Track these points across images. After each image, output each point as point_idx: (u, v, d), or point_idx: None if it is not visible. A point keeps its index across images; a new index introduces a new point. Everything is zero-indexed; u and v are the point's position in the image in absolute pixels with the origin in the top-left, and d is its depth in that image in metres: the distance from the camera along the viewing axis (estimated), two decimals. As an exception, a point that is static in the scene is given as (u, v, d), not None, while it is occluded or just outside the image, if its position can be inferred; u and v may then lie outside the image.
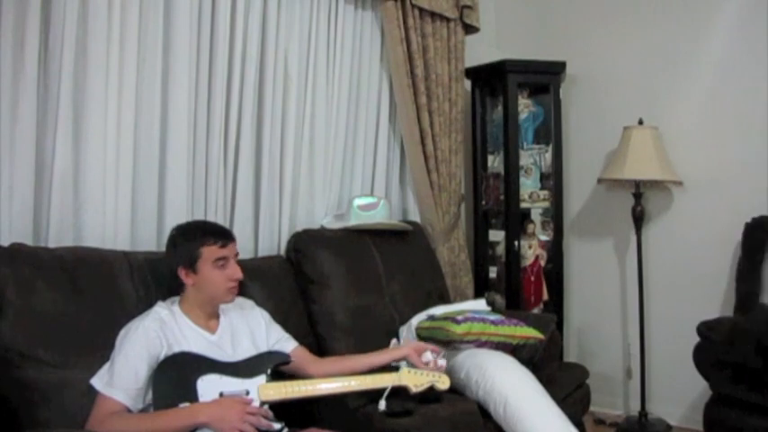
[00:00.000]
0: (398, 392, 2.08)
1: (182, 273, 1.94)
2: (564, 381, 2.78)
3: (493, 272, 3.81)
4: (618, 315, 3.75)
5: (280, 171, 2.88)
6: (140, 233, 2.39)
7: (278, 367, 2.00)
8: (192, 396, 1.80)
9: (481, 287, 3.71)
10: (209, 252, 1.93)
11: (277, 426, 1.85)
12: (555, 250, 3.71)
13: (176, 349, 1.86)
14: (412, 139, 3.25)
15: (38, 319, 1.85)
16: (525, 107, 3.73)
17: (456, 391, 2.33)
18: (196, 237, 1.95)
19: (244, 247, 2.69)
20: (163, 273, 2.07)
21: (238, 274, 1.97)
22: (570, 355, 3.76)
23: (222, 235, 1.97)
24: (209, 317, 1.99)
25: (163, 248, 2.05)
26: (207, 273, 1.93)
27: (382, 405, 2.03)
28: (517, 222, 3.61)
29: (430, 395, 2.13)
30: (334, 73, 3.08)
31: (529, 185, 3.69)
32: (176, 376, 1.82)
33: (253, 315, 2.14)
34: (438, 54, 3.37)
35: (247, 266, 2.42)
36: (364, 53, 3.23)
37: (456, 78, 3.48)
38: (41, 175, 2.18)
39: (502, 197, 3.64)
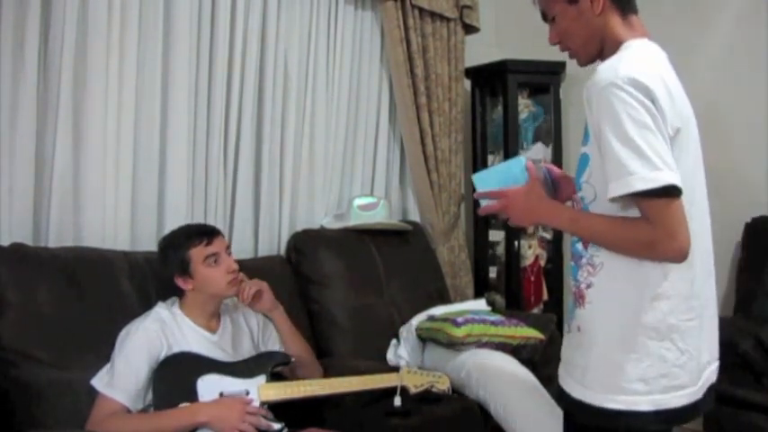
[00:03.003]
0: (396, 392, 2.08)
1: (179, 281, 1.94)
2: (564, 381, 2.77)
3: (493, 272, 3.80)
4: (618, 315, 3.74)
5: (280, 171, 2.87)
6: (140, 233, 2.39)
7: (278, 367, 2.00)
8: (191, 396, 1.80)
9: (481, 287, 3.71)
10: (198, 253, 1.92)
11: (277, 426, 1.85)
12: (555, 250, 3.71)
13: (176, 350, 1.86)
14: (412, 138, 3.25)
15: (38, 319, 1.85)
16: (525, 107, 3.72)
17: (456, 390, 2.33)
18: (181, 242, 1.95)
19: (244, 248, 2.70)
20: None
21: (234, 265, 1.98)
22: (570, 356, 3.75)
23: (205, 233, 1.97)
24: (210, 317, 1.99)
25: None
26: (202, 273, 1.92)
27: (397, 401, 2.04)
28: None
29: (430, 395, 2.13)
30: (334, 73, 3.07)
31: (529, 186, 3.68)
32: (176, 376, 1.82)
33: (249, 314, 2.13)
34: (438, 54, 3.36)
35: (247, 266, 2.41)
36: (364, 53, 3.22)
37: (456, 78, 3.47)
38: (41, 175, 2.19)
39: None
